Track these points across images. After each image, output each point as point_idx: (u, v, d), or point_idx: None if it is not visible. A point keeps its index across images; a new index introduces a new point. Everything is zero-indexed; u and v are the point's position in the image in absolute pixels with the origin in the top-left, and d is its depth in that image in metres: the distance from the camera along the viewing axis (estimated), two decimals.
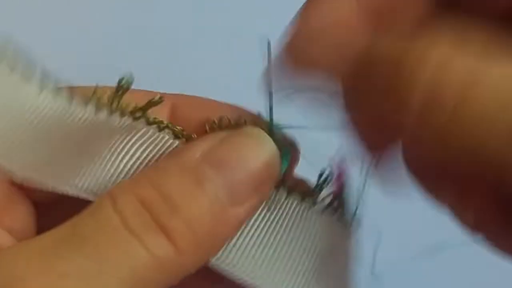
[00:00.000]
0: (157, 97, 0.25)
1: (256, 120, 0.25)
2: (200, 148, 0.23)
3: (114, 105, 0.25)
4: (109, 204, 0.22)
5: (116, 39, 0.46)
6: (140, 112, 0.25)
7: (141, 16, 0.47)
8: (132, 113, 0.25)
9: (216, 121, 0.25)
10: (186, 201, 0.22)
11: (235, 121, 0.25)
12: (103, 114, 0.25)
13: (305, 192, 0.25)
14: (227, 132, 0.24)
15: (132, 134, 0.24)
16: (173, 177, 0.22)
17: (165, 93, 0.26)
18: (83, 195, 0.24)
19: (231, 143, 0.23)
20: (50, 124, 0.25)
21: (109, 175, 0.24)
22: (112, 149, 0.24)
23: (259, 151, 0.23)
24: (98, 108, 0.25)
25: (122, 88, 0.25)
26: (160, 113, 0.26)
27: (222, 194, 0.22)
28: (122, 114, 0.25)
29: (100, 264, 0.21)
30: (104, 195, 0.23)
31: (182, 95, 0.27)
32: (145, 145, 0.24)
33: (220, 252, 0.24)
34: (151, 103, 0.25)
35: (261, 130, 0.24)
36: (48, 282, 0.21)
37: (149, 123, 0.25)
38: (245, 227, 0.24)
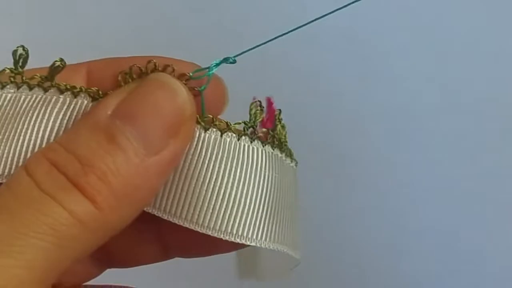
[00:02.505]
0: (57, 62, 0.24)
1: (170, 64, 0.24)
2: (109, 104, 0.23)
3: (18, 79, 0.24)
4: (22, 171, 0.22)
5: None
6: (48, 82, 0.24)
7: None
8: (40, 84, 0.24)
9: (128, 72, 0.24)
10: (99, 157, 0.21)
11: (146, 68, 0.24)
12: (9, 91, 0.24)
13: (239, 130, 0.24)
14: (136, 83, 0.23)
15: (45, 106, 0.24)
16: (84, 137, 0.22)
17: (78, 63, 0.25)
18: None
19: (140, 93, 0.23)
20: None
21: (24, 153, 0.23)
22: (25, 126, 0.23)
23: (169, 97, 0.23)
24: (2, 85, 0.24)
25: (20, 59, 0.24)
26: (77, 81, 0.25)
27: (137, 145, 0.22)
28: (30, 88, 0.24)
29: (15, 226, 0.20)
30: (20, 167, 0.22)
31: (96, 60, 0.26)
32: (61, 114, 0.24)
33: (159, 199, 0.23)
34: (53, 69, 0.24)
35: (169, 76, 0.23)
36: None
37: (61, 91, 0.24)
38: (181, 172, 0.23)
